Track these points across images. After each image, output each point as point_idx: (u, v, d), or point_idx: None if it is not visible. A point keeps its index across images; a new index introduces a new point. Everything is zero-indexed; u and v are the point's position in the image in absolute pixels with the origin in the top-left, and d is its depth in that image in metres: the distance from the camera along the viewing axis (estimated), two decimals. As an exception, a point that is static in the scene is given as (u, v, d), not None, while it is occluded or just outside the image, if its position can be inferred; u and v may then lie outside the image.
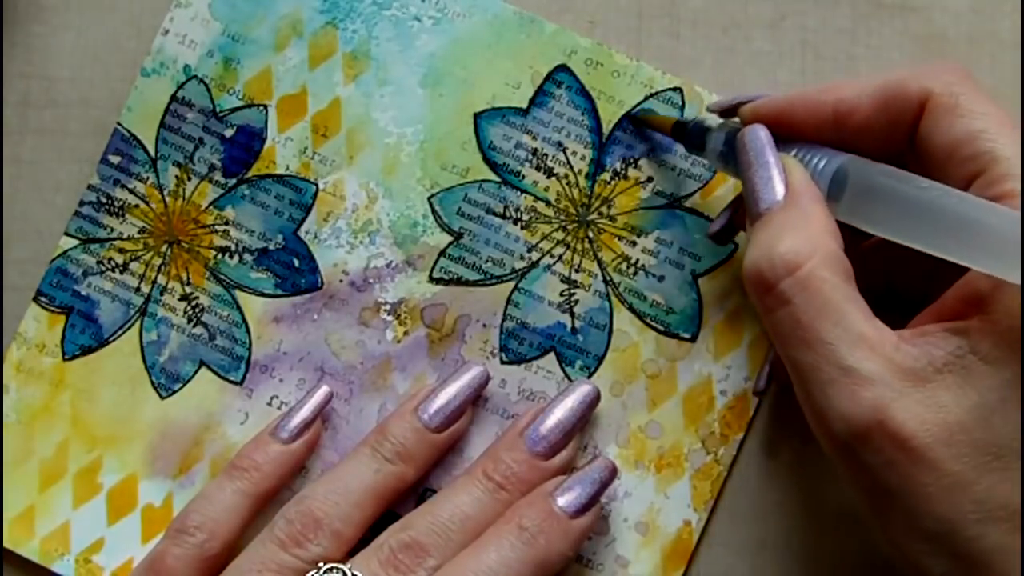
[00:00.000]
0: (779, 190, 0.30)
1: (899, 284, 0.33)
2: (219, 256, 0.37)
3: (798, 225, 0.29)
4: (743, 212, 0.31)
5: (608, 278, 0.36)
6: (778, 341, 0.29)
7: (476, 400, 0.35)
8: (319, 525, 0.32)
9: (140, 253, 0.37)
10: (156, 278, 0.37)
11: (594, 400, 0.35)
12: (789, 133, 0.31)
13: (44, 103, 0.37)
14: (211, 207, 0.37)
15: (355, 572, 0.31)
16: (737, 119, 0.33)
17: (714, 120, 0.34)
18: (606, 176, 0.37)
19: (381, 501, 0.33)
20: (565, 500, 0.33)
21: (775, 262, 0.28)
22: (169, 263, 0.37)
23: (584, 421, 0.35)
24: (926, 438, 0.26)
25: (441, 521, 0.32)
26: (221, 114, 0.37)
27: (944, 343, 0.27)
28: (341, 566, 0.32)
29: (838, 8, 0.37)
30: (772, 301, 0.28)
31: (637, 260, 0.36)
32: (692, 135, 0.34)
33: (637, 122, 0.36)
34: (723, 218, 0.35)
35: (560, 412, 0.34)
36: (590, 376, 0.36)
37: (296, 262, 0.37)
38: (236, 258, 0.37)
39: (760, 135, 0.31)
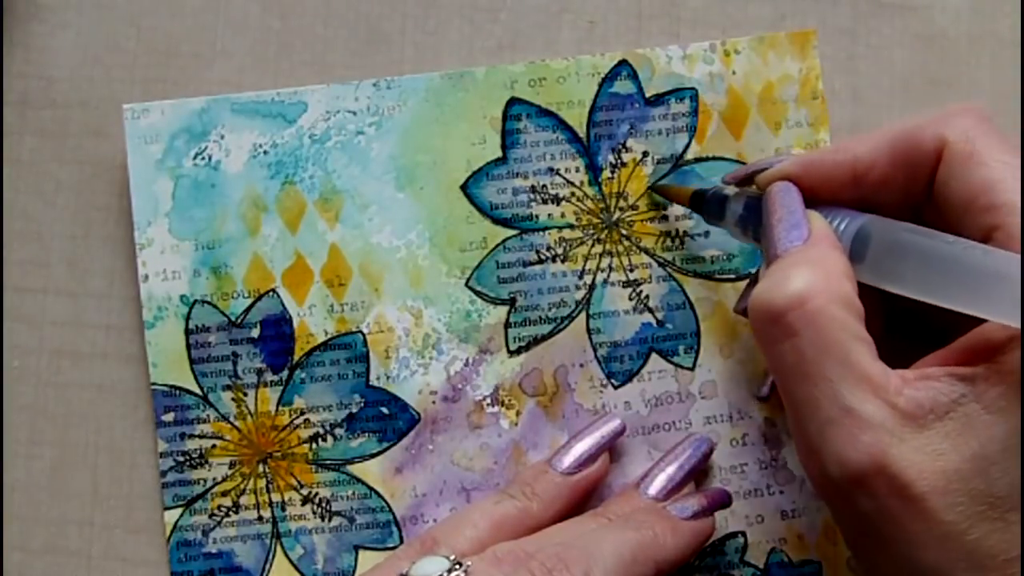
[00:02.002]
0: (801, 235, 0.29)
1: (909, 321, 0.32)
2: (314, 446, 0.36)
3: (814, 262, 0.28)
4: None
5: (662, 260, 0.36)
6: (779, 375, 0.28)
7: (611, 448, 0.35)
8: (436, 542, 0.32)
9: (242, 485, 0.36)
10: (270, 499, 0.36)
11: (708, 452, 0.35)
12: (807, 196, 0.30)
13: (44, 103, 0.37)
14: (280, 407, 0.36)
15: (466, 562, 0.30)
16: (753, 187, 0.33)
17: (731, 189, 0.34)
18: (607, 174, 0.37)
19: (500, 527, 0.32)
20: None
21: (786, 293, 0.27)
22: (274, 478, 0.36)
23: (698, 469, 0.35)
24: (923, 487, 0.26)
25: (550, 538, 0.32)
26: (239, 320, 0.36)
27: (948, 388, 0.27)
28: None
29: (838, 8, 0.37)
30: (778, 332, 0.28)
31: (677, 230, 0.36)
32: (711, 204, 0.34)
33: (656, 191, 0.36)
34: (745, 301, 0.34)
35: (674, 464, 0.35)
36: (697, 353, 0.36)
37: (385, 410, 0.36)
38: (330, 439, 0.36)
39: (792, 188, 0.30)
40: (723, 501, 0.34)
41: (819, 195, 0.31)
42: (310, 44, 0.37)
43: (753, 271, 0.36)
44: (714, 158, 0.36)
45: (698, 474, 0.35)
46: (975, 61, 0.37)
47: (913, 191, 0.30)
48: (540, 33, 0.37)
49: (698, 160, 0.36)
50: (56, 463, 0.36)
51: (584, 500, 0.34)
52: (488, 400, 0.36)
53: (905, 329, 0.31)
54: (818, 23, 0.37)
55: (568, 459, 0.34)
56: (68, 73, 0.38)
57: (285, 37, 0.38)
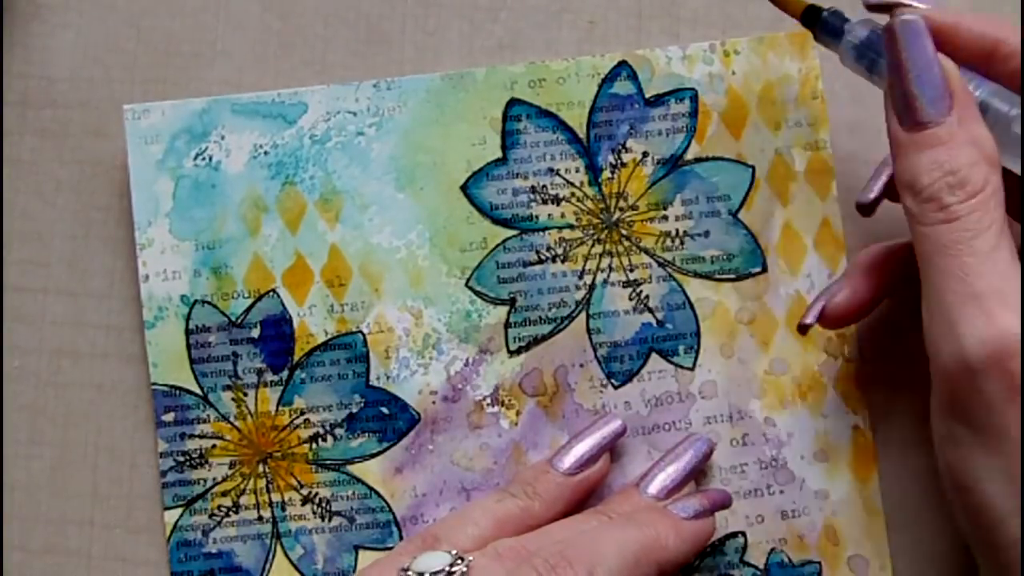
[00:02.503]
0: (945, 103, 0.29)
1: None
2: (314, 446, 0.36)
3: (971, 143, 0.28)
4: (893, 186, 0.31)
5: (662, 260, 0.36)
6: (929, 249, 0.29)
7: (612, 449, 0.35)
8: (437, 539, 0.32)
9: (243, 485, 0.36)
10: (270, 499, 0.36)
11: (708, 452, 0.35)
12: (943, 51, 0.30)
13: (44, 103, 0.38)
14: (280, 407, 0.36)
15: (468, 557, 0.30)
16: (880, 18, 0.32)
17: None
18: (607, 174, 0.37)
19: (501, 525, 0.32)
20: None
21: (952, 175, 0.28)
22: (274, 478, 0.36)
23: (698, 469, 0.35)
24: None
25: (552, 536, 0.32)
26: (239, 320, 0.36)
27: None
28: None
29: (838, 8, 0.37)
30: (937, 214, 0.28)
31: (677, 230, 0.36)
32: (828, 24, 0.32)
33: None
34: (876, 189, 0.33)
35: (675, 464, 0.34)
36: (697, 353, 0.36)
37: (385, 410, 0.36)
38: (330, 439, 0.36)
39: (920, 27, 0.29)
40: (724, 502, 0.34)
41: (953, 55, 0.30)
42: (310, 44, 0.38)
43: (755, 271, 0.36)
44: (714, 158, 0.36)
45: (698, 475, 0.35)
46: None
47: None
48: (540, 33, 0.37)
49: (698, 160, 0.37)
50: (56, 463, 0.36)
51: (584, 500, 0.34)
52: (488, 400, 0.36)
53: None
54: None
55: (569, 459, 0.34)
56: (68, 73, 0.38)
57: (285, 37, 0.38)
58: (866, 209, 0.34)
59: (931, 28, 0.30)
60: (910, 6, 0.31)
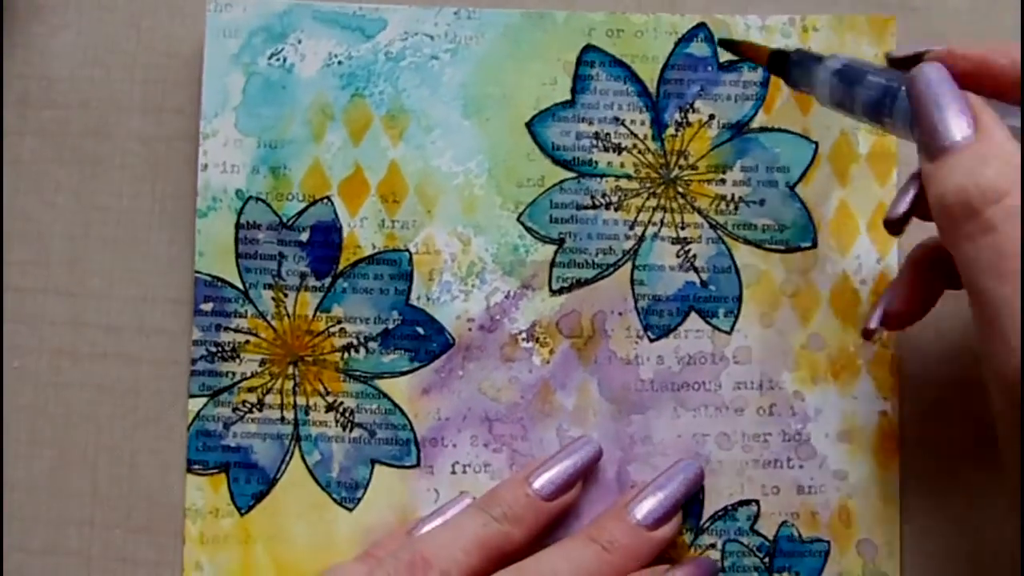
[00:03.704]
0: (969, 122, 0.28)
1: None
2: (346, 355, 0.36)
3: (999, 157, 0.27)
4: (924, 201, 0.30)
5: (714, 222, 0.37)
6: (973, 270, 0.28)
7: (588, 474, 0.35)
8: (428, 564, 0.32)
9: (270, 384, 0.36)
10: (295, 401, 0.36)
11: (699, 477, 0.35)
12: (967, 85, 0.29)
13: (44, 103, 0.37)
14: (318, 313, 0.36)
15: None
16: (839, 57, 0.32)
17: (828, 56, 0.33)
18: (671, 131, 0.37)
19: (487, 554, 0.33)
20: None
21: (983, 187, 0.27)
22: (302, 382, 0.36)
23: (687, 497, 0.35)
24: None
25: (551, 564, 0.33)
26: (290, 222, 0.36)
27: None
28: None
29: (838, 8, 0.37)
30: (975, 227, 0.27)
31: (732, 195, 0.37)
32: (798, 65, 0.33)
33: (724, 44, 0.36)
34: (905, 203, 0.31)
35: (666, 488, 0.35)
36: (736, 318, 0.36)
37: (421, 330, 0.36)
38: (363, 351, 0.36)
39: (941, 72, 0.29)
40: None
41: (980, 87, 0.30)
42: None
43: (805, 245, 0.36)
44: (779, 130, 0.37)
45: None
46: None
47: None
48: (625, -17, 0.38)
49: (763, 130, 0.37)
50: (56, 463, 0.36)
51: (559, 520, 0.35)
52: (524, 335, 0.36)
53: None
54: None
55: (549, 487, 0.34)
56: (68, 73, 0.38)
57: None
58: (895, 226, 0.32)
59: (968, 62, 0.30)
60: (928, 51, 0.31)
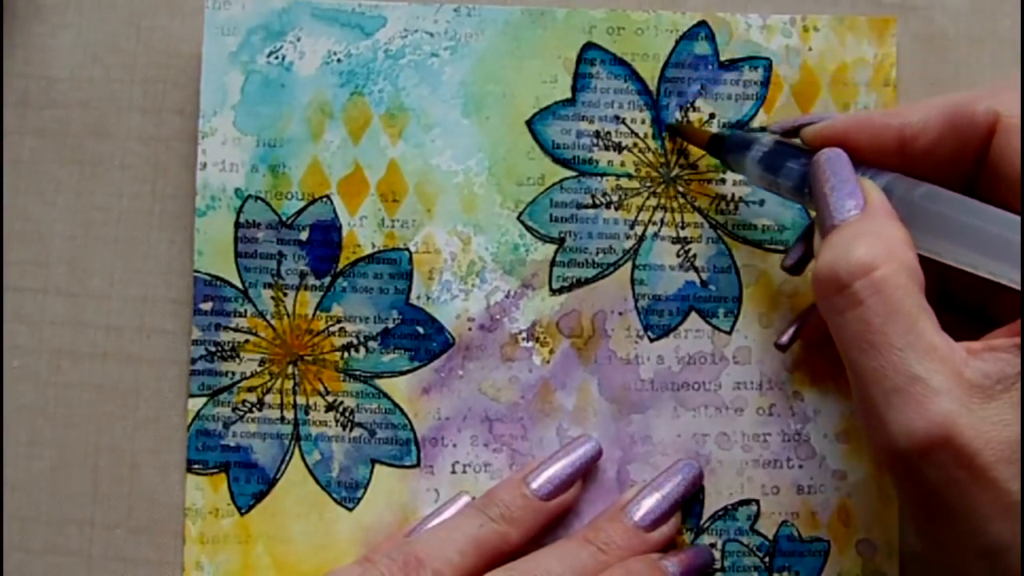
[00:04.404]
0: (857, 203, 0.29)
1: (955, 292, 0.33)
2: (345, 355, 0.36)
3: (876, 232, 0.28)
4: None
5: (714, 222, 0.37)
6: (844, 344, 0.28)
7: (587, 474, 0.35)
8: (421, 564, 0.32)
9: (269, 384, 0.36)
10: (295, 401, 0.36)
11: (698, 477, 0.35)
12: (852, 158, 0.30)
13: (44, 103, 0.37)
14: (318, 312, 0.36)
15: None
16: (772, 136, 0.33)
17: (763, 136, 0.34)
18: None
19: (483, 554, 0.33)
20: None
21: (851, 262, 0.27)
22: (301, 381, 0.36)
23: (686, 497, 0.35)
24: (990, 457, 0.26)
25: (542, 564, 0.33)
26: (289, 221, 0.36)
27: (1015, 359, 0.26)
28: None
29: (838, 8, 0.37)
30: (843, 302, 0.28)
31: (732, 195, 0.37)
32: (732, 146, 0.34)
33: (671, 129, 0.37)
34: (797, 251, 0.34)
35: (665, 488, 0.35)
36: (736, 318, 0.36)
37: (420, 329, 0.36)
38: (362, 350, 0.36)
39: (843, 156, 0.30)
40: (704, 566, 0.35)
41: (863, 156, 0.31)
42: None
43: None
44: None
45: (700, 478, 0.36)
46: (975, 61, 0.38)
47: (961, 163, 0.30)
48: (626, -18, 0.38)
49: (763, 129, 0.37)
50: (56, 463, 0.36)
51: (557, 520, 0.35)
52: (524, 335, 0.36)
53: (956, 303, 0.32)
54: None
55: (547, 485, 0.34)
56: (68, 73, 0.37)
57: None
58: (794, 270, 0.35)
59: (835, 135, 0.31)
60: (811, 122, 0.32)
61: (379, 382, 0.36)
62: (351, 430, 0.36)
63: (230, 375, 0.36)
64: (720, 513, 0.36)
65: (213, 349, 0.36)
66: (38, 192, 0.37)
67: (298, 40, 0.37)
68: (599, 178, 0.37)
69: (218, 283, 0.36)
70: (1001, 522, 0.26)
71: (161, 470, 0.36)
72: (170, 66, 0.37)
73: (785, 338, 0.35)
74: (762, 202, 0.37)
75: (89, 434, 0.36)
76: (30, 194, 0.37)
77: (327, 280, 0.36)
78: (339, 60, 0.37)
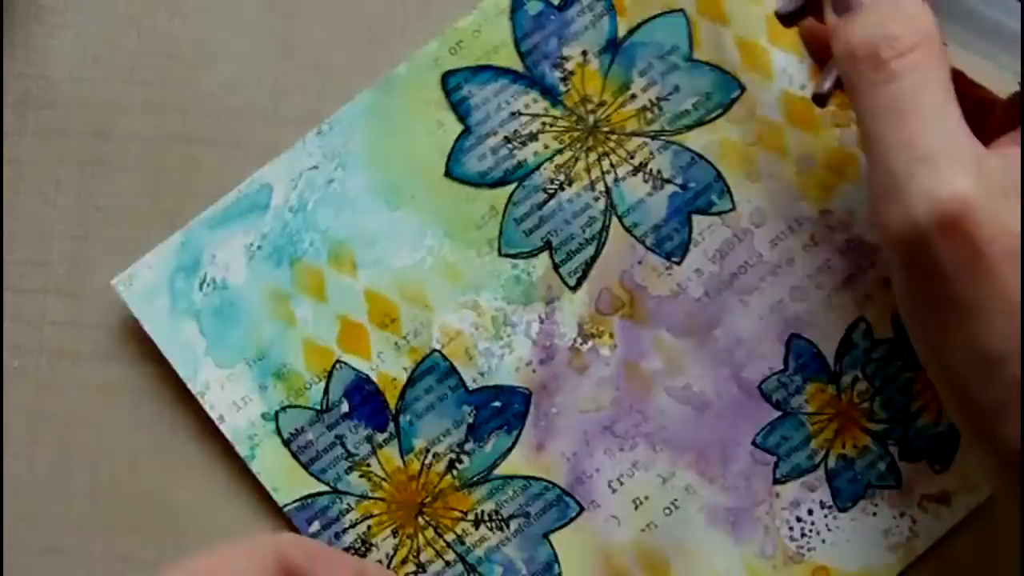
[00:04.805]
0: None
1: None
2: (455, 472, 0.36)
3: (910, 13, 0.28)
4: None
5: (652, 133, 0.37)
6: (872, 116, 0.28)
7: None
8: None
9: (414, 545, 0.35)
10: (446, 541, 0.36)
11: None
12: None
13: (44, 103, 0.37)
14: (405, 458, 0.36)
15: None
16: None
17: None
18: (562, 88, 0.37)
19: None
20: None
21: (890, 39, 0.28)
22: (438, 522, 0.36)
23: None
24: (1000, 248, 0.26)
25: None
26: (323, 406, 0.36)
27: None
28: None
29: None
30: (880, 77, 0.28)
31: (650, 100, 0.37)
32: None
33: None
34: (829, 82, 0.32)
35: None
36: (730, 192, 0.37)
37: (497, 404, 0.36)
38: (464, 458, 0.36)
39: None
40: None
41: None
42: (311, 45, 0.37)
43: (736, 95, 0.37)
44: (643, 22, 0.37)
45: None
46: (974, 62, 0.37)
47: None
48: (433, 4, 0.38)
49: (631, 32, 0.37)
50: (56, 463, 0.36)
51: None
52: (579, 340, 0.36)
53: None
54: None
55: None
56: (68, 73, 0.37)
57: (285, 38, 0.37)
58: (787, 20, 0.32)
59: None
60: None
61: (498, 471, 0.36)
62: (508, 527, 0.36)
63: (382, 562, 0.35)
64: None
65: (346, 546, 0.35)
66: (38, 192, 0.37)
67: (214, 257, 0.36)
68: (537, 172, 0.37)
69: (309, 502, 0.35)
70: (1002, 323, 0.26)
71: (161, 470, 0.36)
72: (170, 66, 0.37)
73: (827, 84, 0.32)
74: (676, 88, 0.37)
75: (89, 434, 0.36)
76: (30, 194, 0.37)
77: (392, 427, 0.36)
78: (259, 247, 0.36)
